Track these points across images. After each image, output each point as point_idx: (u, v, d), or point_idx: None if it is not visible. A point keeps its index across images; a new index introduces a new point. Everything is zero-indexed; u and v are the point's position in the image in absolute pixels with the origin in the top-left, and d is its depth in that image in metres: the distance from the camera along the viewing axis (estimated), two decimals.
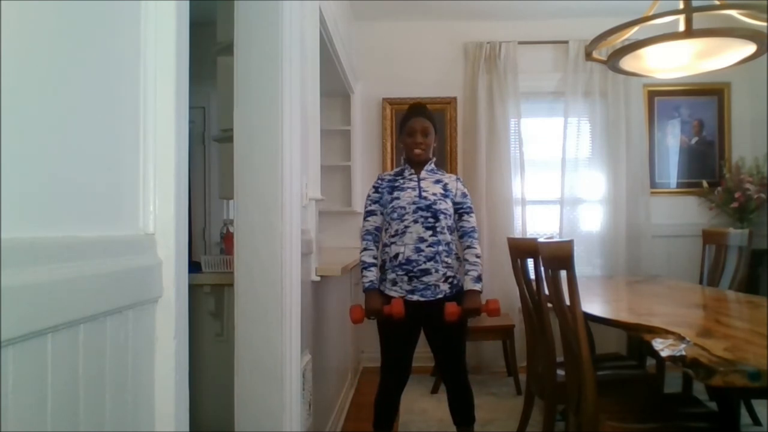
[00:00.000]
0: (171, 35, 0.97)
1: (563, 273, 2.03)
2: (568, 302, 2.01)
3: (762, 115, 4.15)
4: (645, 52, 2.45)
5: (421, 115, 2.41)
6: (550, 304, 2.28)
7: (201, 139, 4.12)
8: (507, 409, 3.23)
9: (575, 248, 2.00)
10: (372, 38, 4.44)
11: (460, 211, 2.42)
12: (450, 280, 2.35)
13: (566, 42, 4.31)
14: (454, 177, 2.48)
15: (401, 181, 2.42)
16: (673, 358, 1.49)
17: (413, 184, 2.39)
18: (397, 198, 2.37)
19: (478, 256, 2.39)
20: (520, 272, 2.56)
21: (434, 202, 2.34)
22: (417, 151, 2.38)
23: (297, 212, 2.07)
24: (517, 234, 4.19)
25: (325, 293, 2.76)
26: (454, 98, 4.41)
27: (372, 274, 2.38)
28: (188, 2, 1.06)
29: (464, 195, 2.43)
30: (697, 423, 1.97)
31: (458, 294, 2.36)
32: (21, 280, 0.63)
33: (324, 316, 2.74)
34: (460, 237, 2.44)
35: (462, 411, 2.43)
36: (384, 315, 2.28)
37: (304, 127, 2.22)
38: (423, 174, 2.42)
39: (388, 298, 2.33)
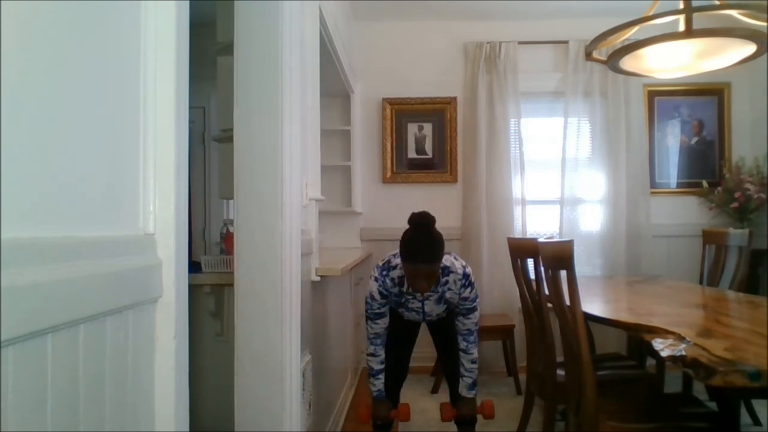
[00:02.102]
0: (171, 35, 0.97)
1: (563, 273, 2.03)
2: (568, 302, 2.01)
3: (762, 115, 4.15)
4: (645, 52, 2.45)
5: (424, 260, 2.04)
6: (550, 304, 2.28)
7: (201, 139, 4.12)
8: (507, 409, 3.23)
9: (575, 248, 2.00)
10: (372, 38, 4.44)
11: (456, 311, 2.29)
12: None
13: (566, 42, 4.31)
14: (459, 279, 2.21)
15: (407, 297, 2.27)
16: (673, 358, 1.49)
17: (417, 305, 2.30)
18: (401, 317, 2.39)
19: (473, 362, 2.31)
20: (520, 272, 2.57)
21: (437, 319, 2.40)
22: (420, 292, 2.16)
23: (297, 212, 2.07)
24: (517, 234, 4.19)
25: (325, 293, 2.75)
26: (454, 98, 4.40)
27: (380, 382, 2.34)
28: (188, 2, 1.06)
29: (464, 299, 2.23)
30: (697, 423, 1.97)
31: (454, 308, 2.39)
32: (21, 280, 0.63)
33: (324, 316, 2.74)
34: (456, 333, 2.34)
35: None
36: (390, 420, 2.36)
37: (304, 127, 2.21)
38: (426, 293, 2.24)
39: (396, 403, 2.42)
